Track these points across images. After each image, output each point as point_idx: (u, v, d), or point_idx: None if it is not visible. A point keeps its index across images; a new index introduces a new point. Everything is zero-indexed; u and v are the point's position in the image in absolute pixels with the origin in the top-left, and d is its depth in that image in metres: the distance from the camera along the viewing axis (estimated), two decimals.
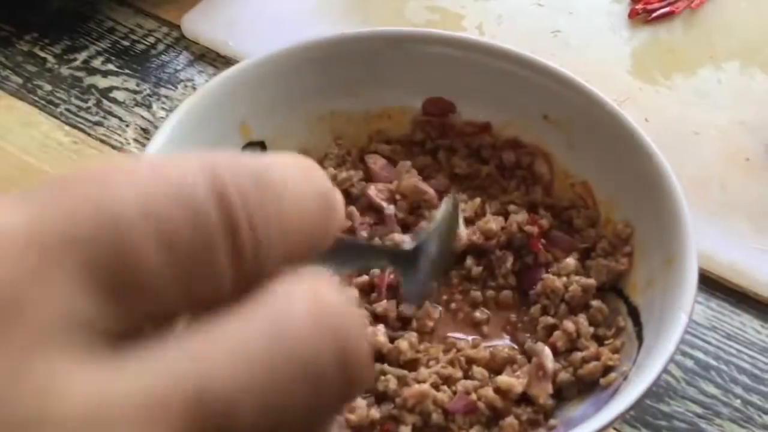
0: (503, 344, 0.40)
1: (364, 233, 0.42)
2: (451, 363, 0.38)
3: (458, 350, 0.39)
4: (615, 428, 0.40)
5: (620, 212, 0.41)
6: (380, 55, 0.45)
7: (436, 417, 0.37)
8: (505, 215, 0.44)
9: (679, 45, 0.57)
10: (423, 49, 0.45)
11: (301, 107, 0.46)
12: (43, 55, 0.56)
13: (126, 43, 0.57)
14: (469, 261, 0.42)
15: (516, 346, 0.40)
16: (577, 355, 0.38)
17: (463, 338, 0.40)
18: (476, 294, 0.42)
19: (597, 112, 0.42)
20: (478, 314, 0.41)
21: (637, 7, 0.59)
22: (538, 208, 0.44)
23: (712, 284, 0.45)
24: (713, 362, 0.43)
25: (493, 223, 0.42)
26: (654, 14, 0.58)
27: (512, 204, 0.44)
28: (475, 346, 0.39)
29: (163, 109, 0.53)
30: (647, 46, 0.57)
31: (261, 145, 0.45)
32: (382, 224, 0.43)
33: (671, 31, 0.58)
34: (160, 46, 0.57)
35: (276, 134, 0.45)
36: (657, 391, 0.41)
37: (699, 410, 0.41)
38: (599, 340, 0.38)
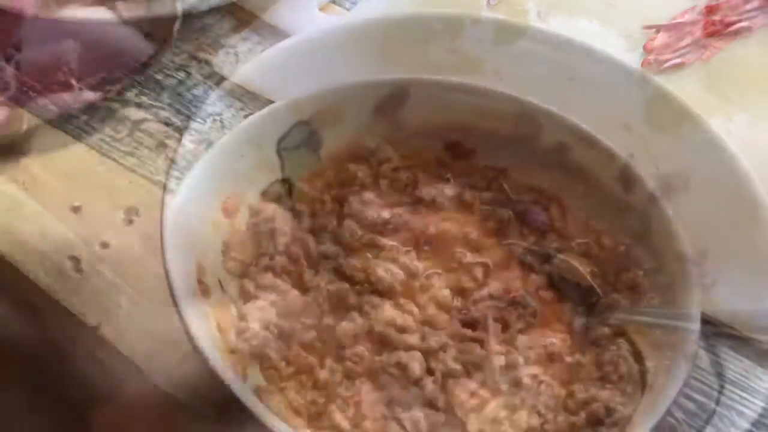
0: None
1: None
2: None
3: None
4: None
5: None
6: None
7: None
8: None
9: (689, 96, 0.60)
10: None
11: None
12: None
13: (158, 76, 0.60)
14: None
15: None
16: None
17: None
18: None
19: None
20: None
21: (649, 57, 0.61)
22: None
23: None
24: None
25: None
26: (665, 64, 0.61)
27: None
28: None
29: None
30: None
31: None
32: None
33: (682, 82, 0.60)
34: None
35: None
36: None
37: None
38: None
